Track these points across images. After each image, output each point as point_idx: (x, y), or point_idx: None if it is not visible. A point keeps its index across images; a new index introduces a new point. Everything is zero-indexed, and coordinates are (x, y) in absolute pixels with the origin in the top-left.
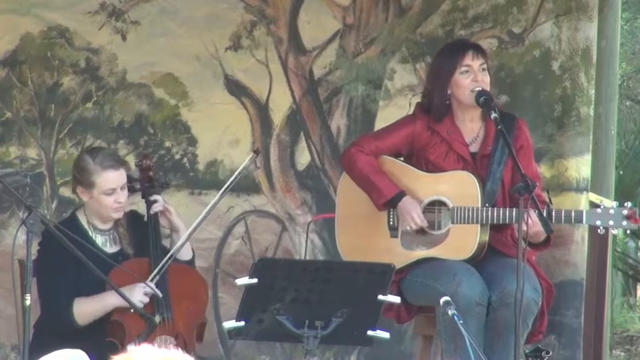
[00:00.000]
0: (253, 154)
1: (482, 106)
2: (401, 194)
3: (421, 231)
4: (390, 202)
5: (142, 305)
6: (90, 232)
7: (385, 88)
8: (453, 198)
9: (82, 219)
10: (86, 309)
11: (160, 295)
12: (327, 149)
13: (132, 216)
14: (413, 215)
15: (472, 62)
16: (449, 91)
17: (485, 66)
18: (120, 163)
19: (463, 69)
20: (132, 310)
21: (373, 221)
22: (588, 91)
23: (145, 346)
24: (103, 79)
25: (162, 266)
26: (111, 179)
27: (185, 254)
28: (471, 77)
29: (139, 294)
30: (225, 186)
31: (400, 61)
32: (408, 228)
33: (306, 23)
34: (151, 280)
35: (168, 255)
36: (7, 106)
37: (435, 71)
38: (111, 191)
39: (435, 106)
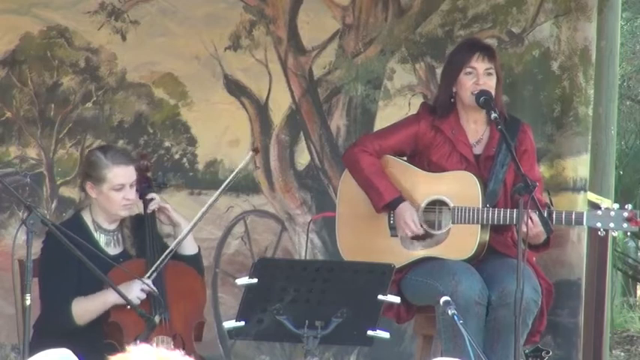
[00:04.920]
0: (252, 152)
1: (482, 106)
2: (399, 199)
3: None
4: (388, 205)
5: (138, 302)
6: (94, 232)
7: (385, 88)
8: (454, 198)
9: (87, 218)
10: (85, 308)
11: (157, 291)
12: (326, 149)
13: (137, 218)
14: (408, 222)
15: (477, 65)
16: (454, 90)
17: (491, 70)
18: (131, 160)
19: (468, 70)
20: (128, 307)
21: (374, 220)
22: (587, 91)
23: (144, 346)
24: (103, 79)
25: (161, 262)
26: (121, 175)
27: (189, 248)
28: (474, 80)
29: (135, 290)
30: (224, 185)
31: (400, 61)
32: (404, 235)
33: (306, 23)
34: (148, 278)
35: (167, 251)
36: (7, 105)
37: (445, 67)
38: (120, 187)
39: (440, 101)
